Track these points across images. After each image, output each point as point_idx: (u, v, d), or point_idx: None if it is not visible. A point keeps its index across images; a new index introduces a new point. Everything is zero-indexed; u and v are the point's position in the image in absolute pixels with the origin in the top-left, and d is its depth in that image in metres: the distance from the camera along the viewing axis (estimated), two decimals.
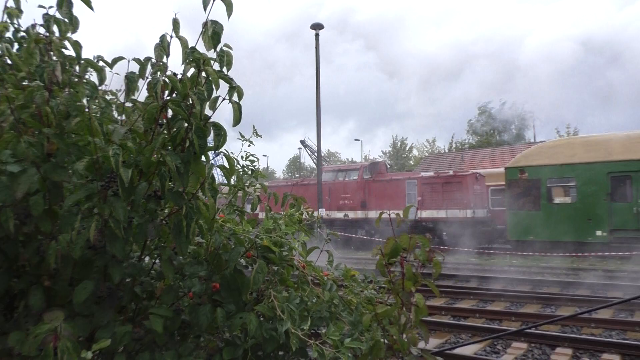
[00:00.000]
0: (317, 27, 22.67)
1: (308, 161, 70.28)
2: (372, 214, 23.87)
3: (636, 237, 17.45)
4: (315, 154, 26.83)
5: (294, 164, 79.71)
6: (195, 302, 1.79)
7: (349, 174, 26.17)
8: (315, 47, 22.74)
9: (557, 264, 16.40)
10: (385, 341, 1.72)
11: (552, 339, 7.18)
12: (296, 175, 69.70)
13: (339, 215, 25.68)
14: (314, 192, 24.62)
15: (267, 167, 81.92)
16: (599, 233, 18.09)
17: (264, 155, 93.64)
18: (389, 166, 30.10)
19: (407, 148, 60.73)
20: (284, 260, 1.89)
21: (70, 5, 1.81)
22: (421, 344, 1.83)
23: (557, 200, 19.46)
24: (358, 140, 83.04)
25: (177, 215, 1.65)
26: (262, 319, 1.78)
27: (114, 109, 1.95)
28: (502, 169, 21.83)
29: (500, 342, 7.37)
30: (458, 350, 6.84)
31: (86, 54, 1.89)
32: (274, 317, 1.70)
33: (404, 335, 1.69)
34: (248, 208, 2.38)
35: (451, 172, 23.43)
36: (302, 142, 41.53)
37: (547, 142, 22.41)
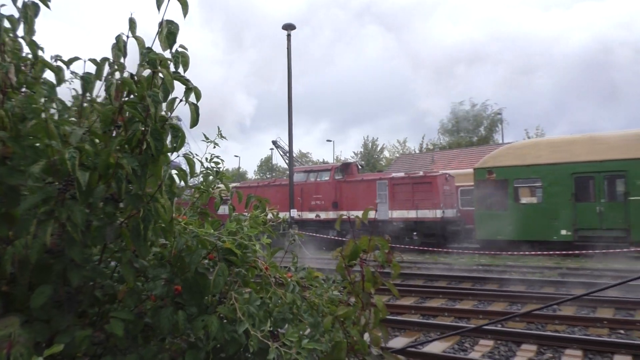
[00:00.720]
0: (288, 27, 22.69)
1: (280, 162, 70.20)
2: (344, 215, 23.97)
3: (599, 235, 17.99)
4: (287, 154, 26.81)
5: (266, 164, 79.41)
6: (158, 305, 1.78)
7: (320, 174, 26.24)
8: (287, 48, 22.76)
9: (523, 262, 16.76)
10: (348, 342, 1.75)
11: (518, 335, 7.34)
12: (268, 176, 69.50)
13: (311, 215, 25.72)
14: (286, 192, 24.61)
15: (239, 167, 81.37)
16: (563, 232, 18.58)
17: (235, 156, 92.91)
18: (360, 167, 30.26)
19: (379, 149, 61.19)
20: (246, 262, 1.90)
21: (37, 8, 1.78)
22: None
23: (524, 200, 19.90)
24: (330, 140, 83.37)
25: (135, 218, 1.64)
26: (225, 321, 1.78)
27: (75, 108, 1.92)
28: (471, 170, 22.20)
29: (468, 339, 7.50)
30: (427, 349, 6.95)
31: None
32: (236, 319, 1.71)
33: (366, 336, 1.72)
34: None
35: (421, 173, 23.69)
36: (274, 142, 41.42)
37: (514, 144, 22.90)
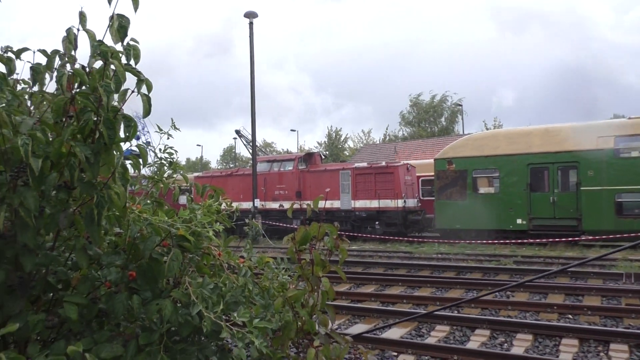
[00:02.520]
0: (250, 15, 22.50)
1: (243, 151, 69.72)
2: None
3: (552, 224, 18.67)
4: (250, 144, 26.69)
5: (229, 154, 78.75)
6: (112, 291, 1.81)
7: (284, 164, 26.22)
8: (249, 36, 22.58)
9: (481, 250, 17.23)
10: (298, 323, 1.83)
11: (472, 321, 7.58)
12: (231, 166, 68.99)
13: (274, 205, 25.71)
14: (249, 182, 24.52)
15: (201, 157, 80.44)
16: (519, 221, 19.17)
17: (197, 145, 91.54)
18: (323, 157, 30.37)
19: (342, 139, 61.53)
20: (199, 249, 1.95)
21: None
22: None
23: (482, 190, 20.41)
24: (294, 130, 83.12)
25: (88, 205, 1.67)
26: (179, 304, 1.83)
27: (27, 98, 1.92)
28: (432, 160, 22.59)
29: (425, 325, 7.71)
30: (385, 335, 7.13)
31: None
32: (190, 302, 1.76)
33: (315, 317, 1.80)
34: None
35: (384, 163, 23.96)
36: (237, 131, 41.09)
37: (473, 135, 23.39)
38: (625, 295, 9.24)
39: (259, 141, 54.08)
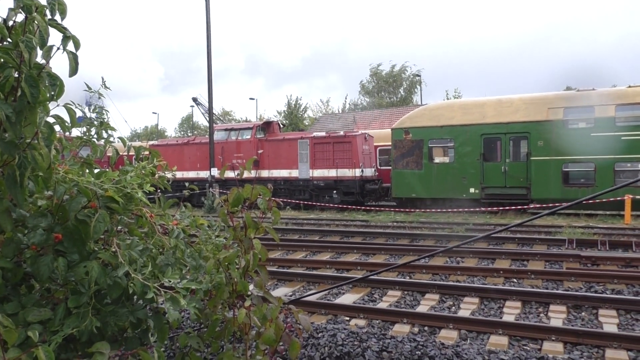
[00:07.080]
0: None
1: (202, 120, 68.46)
2: (265, 174, 24.07)
3: (503, 193, 19.28)
4: (208, 112, 26.21)
5: (187, 122, 77.28)
6: (38, 254, 1.77)
7: (241, 133, 25.93)
8: (205, 0, 21.94)
9: (435, 219, 17.65)
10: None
11: (422, 286, 7.81)
12: (189, 134, 67.78)
13: (231, 174, 25.43)
14: (206, 151, 24.19)
15: (157, 124, 78.66)
16: (472, 190, 19.69)
17: (153, 113, 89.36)
18: (282, 125, 30.17)
19: (302, 108, 61.22)
20: (128, 210, 1.91)
21: None
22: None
23: (437, 160, 20.80)
24: (253, 99, 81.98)
25: (10, 165, 1.60)
26: (110, 267, 1.80)
27: None
28: (389, 130, 22.79)
29: (378, 290, 7.91)
30: (338, 301, 7.29)
31: None
32: (119, 264, 1.74)
33: (250, 279, 1.81)
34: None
35: (342, 133, 24.05)
36: (195, 99, 40.20)
37: (429, 105, 23.65)
38: (567, 259, 9.69)
39: (217, 109, 53.26)
